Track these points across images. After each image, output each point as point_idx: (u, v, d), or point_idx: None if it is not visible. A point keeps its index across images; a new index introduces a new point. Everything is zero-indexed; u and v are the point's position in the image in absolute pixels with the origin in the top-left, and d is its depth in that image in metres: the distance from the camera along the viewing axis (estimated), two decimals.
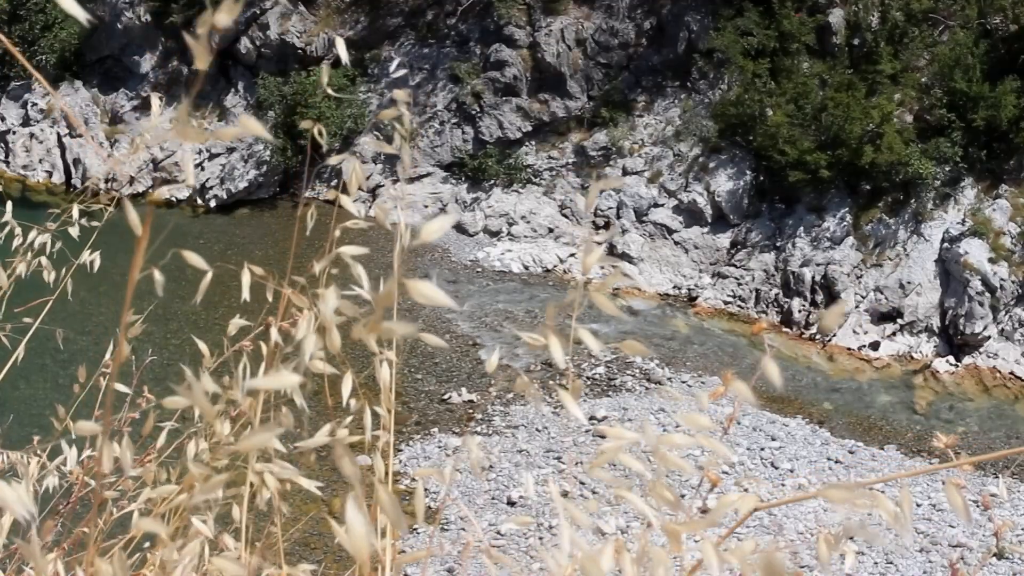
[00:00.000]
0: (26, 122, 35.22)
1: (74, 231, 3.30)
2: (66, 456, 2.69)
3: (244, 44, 34.29)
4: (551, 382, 21.77)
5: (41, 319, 3.42)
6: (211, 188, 33.11)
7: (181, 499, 2.11)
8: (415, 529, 17.20)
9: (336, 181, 30.43)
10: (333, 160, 2.22)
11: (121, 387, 2.64)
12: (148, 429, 2.68)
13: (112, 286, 22.31)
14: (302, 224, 2.30)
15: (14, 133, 34.85)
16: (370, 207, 30.01)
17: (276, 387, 1.48)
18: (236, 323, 2.49)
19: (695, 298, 27.65)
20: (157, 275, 1.84)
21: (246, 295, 2.17)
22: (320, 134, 2.27)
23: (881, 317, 25.86)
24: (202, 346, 2.36)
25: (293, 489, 2.31)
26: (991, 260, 25.29)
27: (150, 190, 33.16)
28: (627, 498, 1.49)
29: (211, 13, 1.29)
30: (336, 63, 33.05)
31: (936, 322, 25.49)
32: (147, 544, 2.45)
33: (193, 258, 1.80)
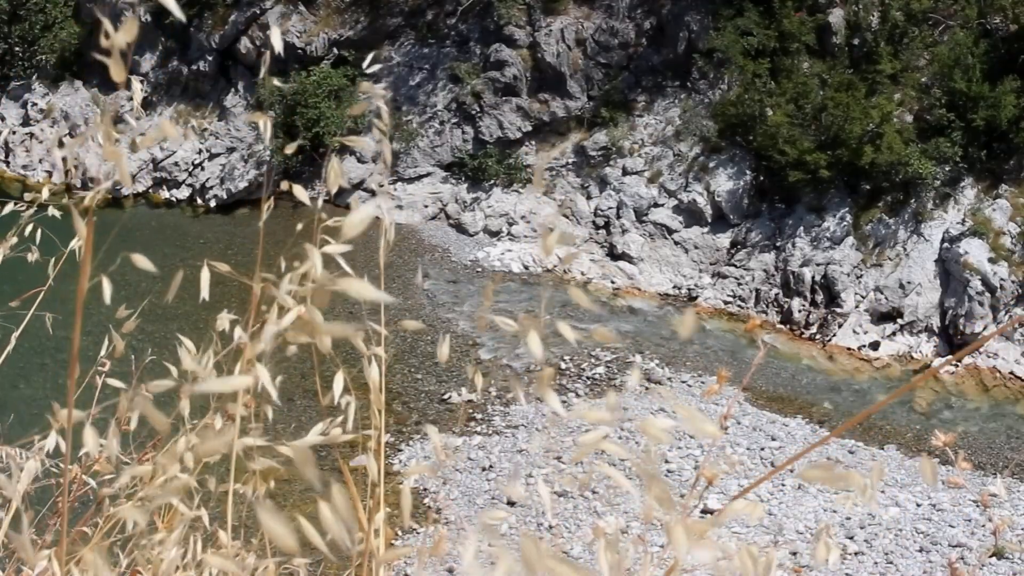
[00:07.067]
0: (26, 122, 35.21)
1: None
2: (46, 444, 2.68)
3: (244, 44, 34.31)
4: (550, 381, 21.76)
5: (44, 319, 3.42)
6: (211, 188, 33.12)
7: (157, 489, 2.11)
8: (415, 529, 17.21)
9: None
10: (288, 148, 2.24)
11: (115, 383, 2.64)
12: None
13: (112, 285, 22.28)
14: (262, 218, 2.32)
15: (14, 133, 34.84)
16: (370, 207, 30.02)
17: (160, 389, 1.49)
18: (225, 317, 2.51)
19: (695, 298, 27.64)
20: (106, 284, 1.85)
21: (204, 295, 2.18)
22: (264, 128, 2.30)
23: (881, 317, 25.86)
24: (187, 343, 2.37)
25: (292, 488, 2.32)
26: (991, 260, 25.29)
27: (150, 190, 33.18)
28: (614, 478, 1.48)
29: (114, 33, 1.29)
30: (336, 63, 33.08)
31: (936, 322, 25.49)
32: (144, 542, 2.45)
33: (141, 261, 1.81)
